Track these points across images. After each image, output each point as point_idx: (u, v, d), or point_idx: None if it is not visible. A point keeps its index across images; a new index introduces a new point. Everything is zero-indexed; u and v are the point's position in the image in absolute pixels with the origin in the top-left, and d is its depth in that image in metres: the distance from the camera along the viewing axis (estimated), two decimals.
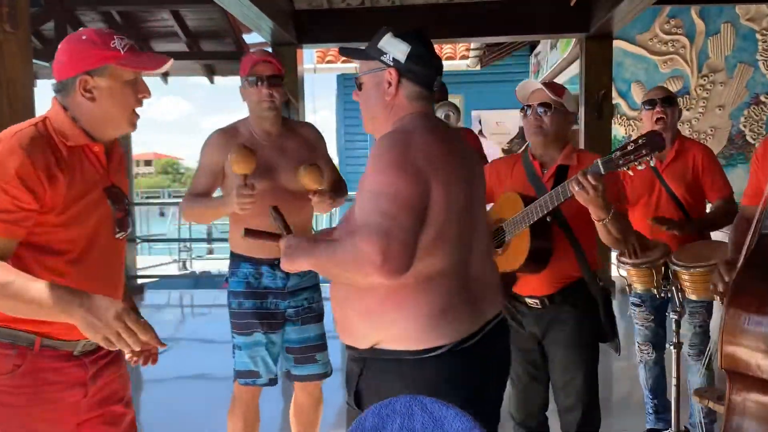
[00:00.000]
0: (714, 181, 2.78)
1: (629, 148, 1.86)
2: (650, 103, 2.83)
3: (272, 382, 2.50)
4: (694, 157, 2.81)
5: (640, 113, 2.92)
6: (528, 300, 2.25)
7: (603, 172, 1.88)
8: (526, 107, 2.24)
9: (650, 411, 3.08)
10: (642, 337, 3.01)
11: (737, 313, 1.52)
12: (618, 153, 1.87)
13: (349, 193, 2.67)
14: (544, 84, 2.25)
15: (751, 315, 1.49)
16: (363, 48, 1.62)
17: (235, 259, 2.49)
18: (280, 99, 2.39)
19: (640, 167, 1.86)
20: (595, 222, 2.03)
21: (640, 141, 1.85)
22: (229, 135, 2.43)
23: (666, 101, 2.79)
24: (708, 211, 2.94)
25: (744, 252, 1.62)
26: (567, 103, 2.24)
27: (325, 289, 2.73)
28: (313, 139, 2.57)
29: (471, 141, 3.20)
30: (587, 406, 2.25)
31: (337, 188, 2.57)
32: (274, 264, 2.39)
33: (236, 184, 2.21)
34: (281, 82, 2.41)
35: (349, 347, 1.59)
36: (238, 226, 2.35)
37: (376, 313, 1.46)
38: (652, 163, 1.87)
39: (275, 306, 2.46)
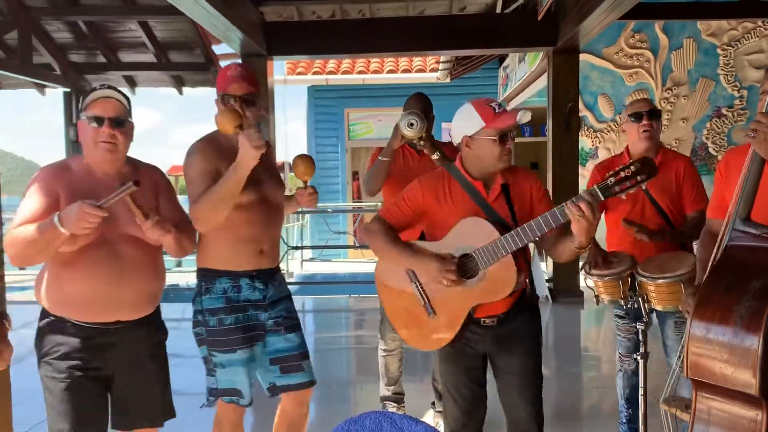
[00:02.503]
0: (692, 193, 2.80)
1: (623, 174, 1.83)
2: (637, 116, 2.83)
3: (251, 403, 2.44)
4: (677, 169, 2.84)
5: (623, 123, 2.92)
6: (484, 320, 2.20)
7: (603, 199, 1.86)
8: (506, 135, 2.12)
9: (623, 420, 3.10)
10: (624, 348, 3.01)
11: (701, 323, 1.54)
12: (612, 179, 1.84)
13: (318, 204, 2.66)
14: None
15: (714, 325, 1.52)
16: None
17: (209, 274, 2.38)
18: (253, 117, 2.34)
19: (632, 191, 1.85)
20: (574, 248, 1.98)
21: (633, 167, 1.82)
22: (211, 144, 2.36)
23: (651, 114, 2.81)
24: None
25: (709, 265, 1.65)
26: None
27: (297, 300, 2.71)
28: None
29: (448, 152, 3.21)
30: (540, 410, 2.27)
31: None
32: (252, 276, 2.37)
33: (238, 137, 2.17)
34: (255, 99, 2.36)
35: None
36: (222, 239, 2.33)
37: None
38: (643, 187, 1.86)
39: (256, 318, 2.39)
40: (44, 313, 2.14)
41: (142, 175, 2.21)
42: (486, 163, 2.14)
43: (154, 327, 2.32)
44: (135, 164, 2.29)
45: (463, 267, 2.11)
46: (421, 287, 2.20)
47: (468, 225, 2.10)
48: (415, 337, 2.30)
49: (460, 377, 2.29)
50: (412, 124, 2.89)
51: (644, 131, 2.81)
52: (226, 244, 2.34)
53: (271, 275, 2.45)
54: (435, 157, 3.01)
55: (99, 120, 2.07)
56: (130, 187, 1.96)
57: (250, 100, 2.34)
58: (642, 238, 2.68)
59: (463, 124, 2.16)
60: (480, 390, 2.31)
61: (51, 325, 2.12)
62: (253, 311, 2.38)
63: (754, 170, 1.76)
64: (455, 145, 2.23)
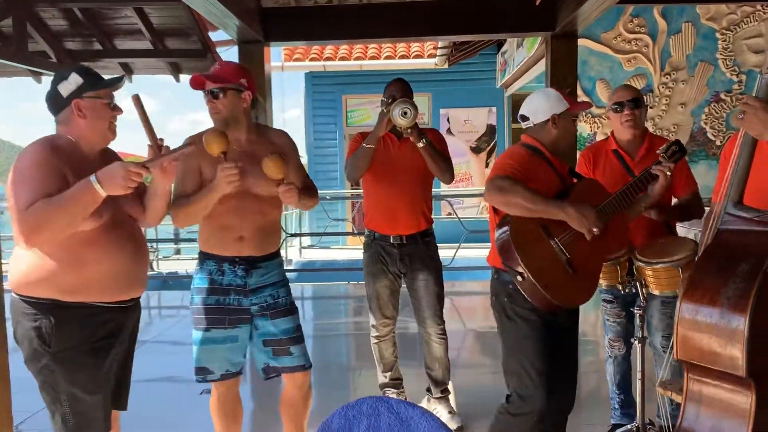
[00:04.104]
0: (682, 178, 2.83)
1: (674, 149, 2.51)
2: (618, 105, 2.86)
3: (229, 376, 2.54)
4: None
5: (606, 111, 2.94)
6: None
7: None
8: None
9: (616, 406, 3.13)
10: (613, 332, 3.03)
11: (690, 305, 1.57)
12: (669, 152, 2.50)
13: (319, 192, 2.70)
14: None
15: (702, 307, 1.55)
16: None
17: (201, 256, 2.57)
18: (225, 109, 2.44)
19: (677, 162, 2.53)
20: (639, 210, 2.57)
21: (675, 146, 2.52)
22: (200, 138, 2.45)
23: (633, 103, 2.82)
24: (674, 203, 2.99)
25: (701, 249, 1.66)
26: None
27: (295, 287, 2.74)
28: (283, 146, 2.60)
29: (432, 138, 3.21)
30: None
31: (307, 190, 2.62)
32: (234, 261, 2.49)
33: (218, 164, 2.31)
34: (227, 90, 2.44)
35: None
36: (208, 225, 2.51)
37: None
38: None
39: (238, 303, 2.51)
40: (49, 306, 2.06)
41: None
42: (564, 142, 2.47)
43: (139, 304, 2.38)
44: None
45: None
46: (560, 243, 2.26)
47: (584, 186, 2.45)
48: (561, 293, 2.23)
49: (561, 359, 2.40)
50: (406, 113, 2.89)
51: (626, 121, 2.82)
52: (210, 230, 2.53)
53: (254, 263, 2.52)
54: (421, 144, 3.02)
55: (113, 105, 2.19)
56: (190, 147, 2.19)
57: (219, 94, 2.44)
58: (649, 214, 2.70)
59: (550, 104, 2.43)
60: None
61: (65, 314, 2.06)
62: (236, 296, 2.51)
63: (745, 154, 1.78)
64: (527, 123, 2.49)
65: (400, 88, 3.20)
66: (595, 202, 2.28)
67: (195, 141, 2.39)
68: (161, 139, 2.14)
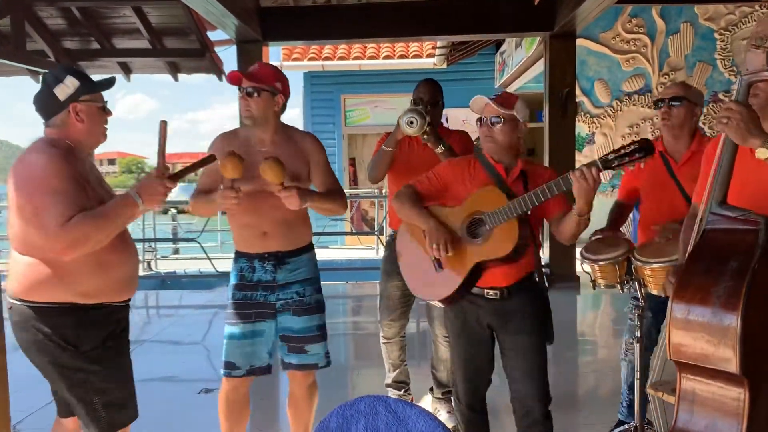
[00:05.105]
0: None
1: (623, 151, 2.07)
2: (660, 101, 2.77)
3: (255, 372, 2.58)
4: (708, 157, 2.76)
5: (604, 110, 2.92)
6: (487, 291, 2.36)
7: (602, 169, 2.08)
8: (481, 118, 2.41)
9: (624, 404, 3.10)
10: (632, 334, 2.99)
11: (681, 305, 1.57)
12: (612, 155, 2.07)
13: (347, 206, 2.73)
14: (494, 98, 2.38)
15: (693, 306, 1.55)
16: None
17: (236, 255, 2.66)
18: (257, 109, 2.48)
19: (631, 167, 2.07)
20: (575, 217, 2.20)
21: (632, 146, 2.05)
22: (228, 139, 2.59)
23: (672, 100, 2.73)
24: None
25: (689, 248, 1.67)
26: (518, 113, 2.35)
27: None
28: (308, 149, 2.63)
29: (457, 142, 3.19)
30: (542, 387, 2.40)
31: (326, 193, 2.64)
32: (263, 258, 2.56)
33: (224, 185, 2.40)
34: (262, 91, 2.49)
35: None
36: (233, 224, 2.62)
37: None
38: (642, 166, 2.06)
39: (264, 298, 2.57)
40: (69, 309, 2.06)
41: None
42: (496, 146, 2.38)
43: None
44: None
45: (474, 229, 2.32)
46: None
47: (483, 192, 2.34)
48: (420, 286, 2.50)
49: (467, 343, 2.45)
50: (412, 122, 2.88)
51: (662, 118, 2.75)
52: (236, 229, 2.62)
53: (282, 259, 2.58)
54: (439, 150, 2.99)
55: (107, 110, 2.21)
56: (212, 159, 2.35)
57: (251, 93, 2.49)
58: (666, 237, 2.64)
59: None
60: (487, 360, 2.45)
61: (86, 316, 2.09)
62: (263, 291, 2.58)
63: (727, 155, 1.79)
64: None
65: (428, 89, 3.18)
66: (486, 208, 2.30)
67: (224, 142, 2.54)
68: (168, 167, 2.19)
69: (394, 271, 3.31)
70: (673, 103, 2.73)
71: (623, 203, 3.03)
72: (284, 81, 2.56)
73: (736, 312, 1.46)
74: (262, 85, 2.49)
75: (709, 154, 2.08)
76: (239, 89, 2.52)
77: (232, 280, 2.62)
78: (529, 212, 2.26)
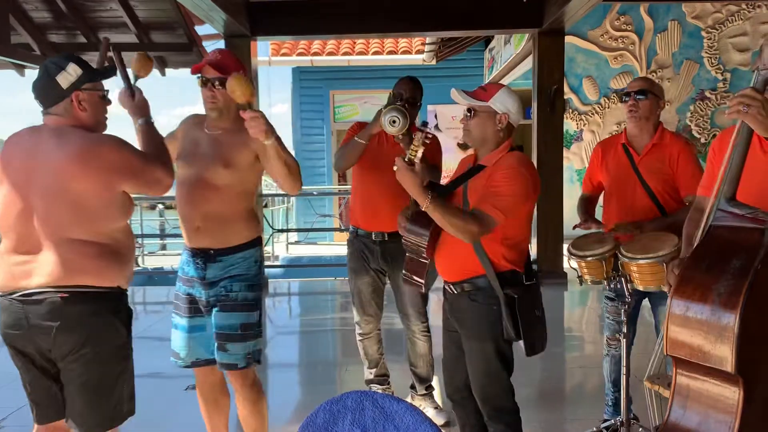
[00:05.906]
0: (687, 177, 2.74)
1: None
2: (626, 95, 2.85)
3: (198, 364, 2.58)
4: (671, 152, 2.79)
5: (592, 107, 2.94)
6: (444, 285, 2.43)
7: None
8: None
9: (610, 403, 3.12)
10: (611, 331, 3.00)
11: (681, 301, 1.57)
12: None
13: (302, 185, 2.63)
14: (470, 91, 2.38)
15: (693, 303, 1.55)
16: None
17: (183, 246, 2.64)
18: (222, 99, 2.44)
19: None
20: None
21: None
22: (193, 117, 2.62)
23: (638, 93, 2.80)
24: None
25: (694, 243, 1.66)
26: (495, 104, 2.29)
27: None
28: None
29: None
30: (490, 399, 2.34)
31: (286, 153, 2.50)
32: (195, 253, 2.50)
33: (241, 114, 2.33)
34: (222, 84, 2.42)
35: None
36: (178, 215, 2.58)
37: None
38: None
39: (199, 294, 2.52)
40: (119, 294, 2.16)
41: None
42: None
43: None
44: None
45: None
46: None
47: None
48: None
49: (445, 335, 2.48)
50: (394, 122, 2.83)
51: (628, 111, 2.82)
52: (180, 221, 2.56)
53: (213, 257, 2.47)
54: (411, 154, 2.97)
55: (107, 99, 2.24)
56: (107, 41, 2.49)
57: (216, 83, 2.43)
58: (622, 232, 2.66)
59: None
60: (459, 352, 2.42)
61: (125, 300, 2.20)
62: (198, 286, 2.52)
63: (740, 150, 1.73)
64: None
65: (409, 87, 3.14)
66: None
67: (190, 120, 2.57)
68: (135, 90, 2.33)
69: (362, 267, 3.31)
70: (639, 96, 2.81)
71: (588, 196, 3.09)
72: (245, 69, 2.49)
73: (735, 311, 1.45)
74: (227, 75, 2.37)
75: (717, 146, 2.05)
76: (202, 79, 2.45)
77: (179, 273, 2.60)
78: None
